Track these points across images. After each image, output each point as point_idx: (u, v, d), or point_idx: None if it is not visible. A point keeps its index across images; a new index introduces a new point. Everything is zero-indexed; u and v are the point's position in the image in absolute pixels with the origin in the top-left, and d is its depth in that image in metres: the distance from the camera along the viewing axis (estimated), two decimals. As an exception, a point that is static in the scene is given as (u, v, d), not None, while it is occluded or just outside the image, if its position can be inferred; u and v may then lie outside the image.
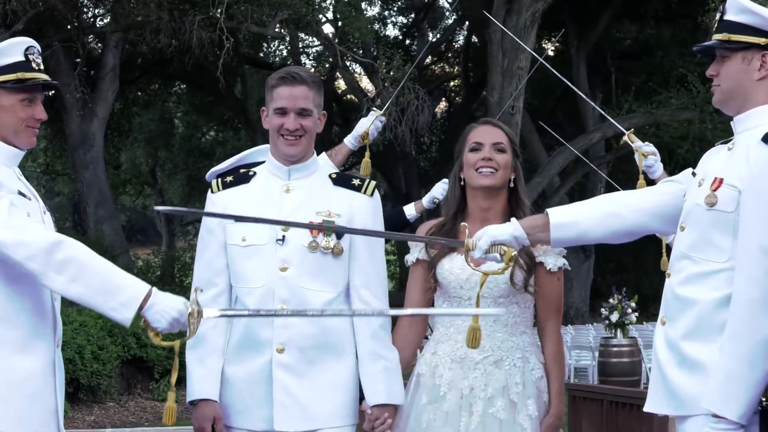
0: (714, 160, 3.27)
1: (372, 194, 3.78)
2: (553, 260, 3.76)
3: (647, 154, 4.89)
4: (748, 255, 3.01)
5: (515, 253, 3.37)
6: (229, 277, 3.71)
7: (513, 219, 3.46)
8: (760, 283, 2.97)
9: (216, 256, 3.71)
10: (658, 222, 3.45)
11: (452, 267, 3.76)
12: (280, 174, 3.75)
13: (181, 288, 18.08)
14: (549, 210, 3.45)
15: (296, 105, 3.67)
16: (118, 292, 3.22)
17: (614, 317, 12.92)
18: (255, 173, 3.81)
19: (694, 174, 3.34)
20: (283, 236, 3.64)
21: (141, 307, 3.21)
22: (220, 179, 3.83)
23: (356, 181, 3.79)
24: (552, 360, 3.76)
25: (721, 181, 3.13)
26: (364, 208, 3.74)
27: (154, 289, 3.26)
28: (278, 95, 3.69)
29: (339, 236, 3.68)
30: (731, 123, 3.28)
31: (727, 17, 3.21)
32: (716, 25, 3.25)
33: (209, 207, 3.77)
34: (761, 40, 3.15)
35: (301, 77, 3.70)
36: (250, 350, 3.65)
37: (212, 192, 3.80)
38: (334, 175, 3.81)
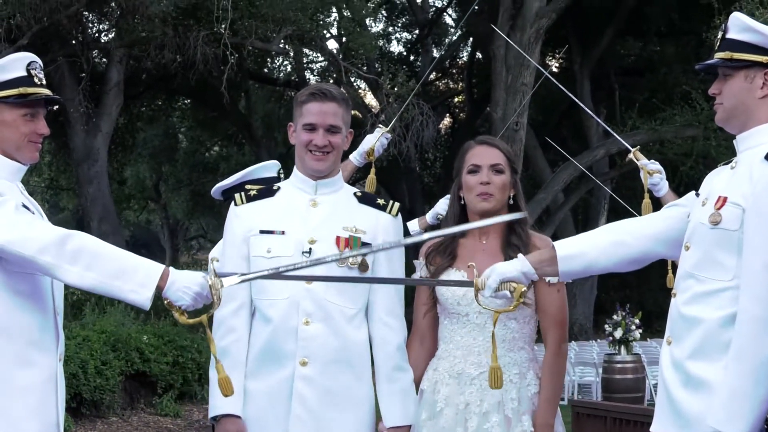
0: (717, 179, 3.27)
1: (396, 215, 3.82)
2: None
3: (653, 172, 4.89)
4: (753, 273, 3.01)
5: (525, 288, 3.37)
6: (250, 290, 3.69)
7: (520, 255, 3.48)
8: (765, 301, 2.97)
9: (236, 269, 3.67)
10: (663, 247, 3.46)
11: None
12: (306, 188, 3.77)
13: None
14: (555, 243, 3.49)
15: (325, 121, 3.68)
16: (134, 273, 3.21)
17: (618, 334, 12.88)
18: (279, 188, 3.82)
19: (697, 194, 3.34)
20: (310, 249, 3.65)
21: (160, 288, 3.20)
22: (243, 193, 3.82)
23: (381, 201, 3.83)
24: (545, 370, 3.74)
25: (725, 199, 3.13)
26: (388, 227, 3.78)
27: (171, 268, 3.26)
28: (308, 111, 3.70)
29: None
30: (734, 141, 3.28)
31: (729, 35, 3.21)
32: (719, 43, 3.26)
33: (233, 219, 3.77)
34: (763, 59, 3.16)
35: (332, 94, 3.72)
36: (273, 364, 3.64)
37: (236, 205, 3.79)
38: (359, 194, 3.84)
